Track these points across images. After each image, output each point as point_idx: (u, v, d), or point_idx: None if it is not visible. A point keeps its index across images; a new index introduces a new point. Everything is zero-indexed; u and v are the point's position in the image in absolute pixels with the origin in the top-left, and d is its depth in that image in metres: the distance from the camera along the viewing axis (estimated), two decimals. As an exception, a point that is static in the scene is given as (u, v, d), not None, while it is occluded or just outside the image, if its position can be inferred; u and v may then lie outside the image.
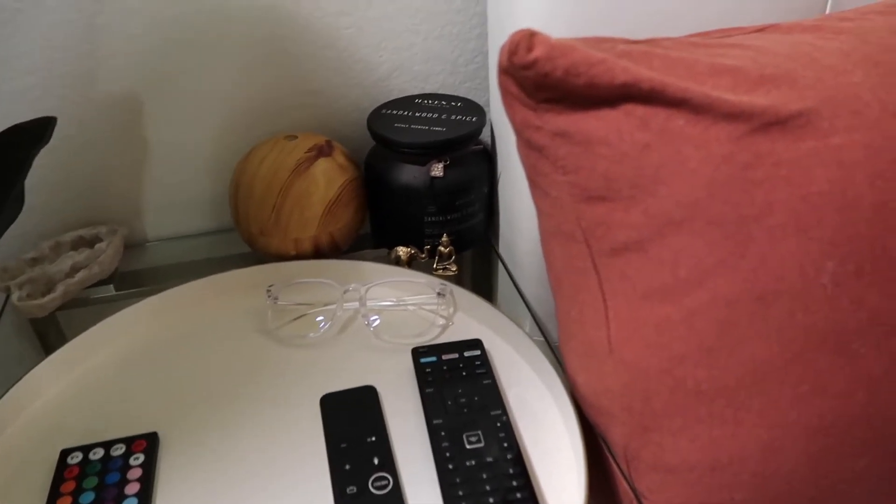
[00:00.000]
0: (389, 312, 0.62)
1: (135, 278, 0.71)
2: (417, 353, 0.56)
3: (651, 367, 0.42)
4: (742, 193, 0.36)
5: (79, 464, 0.49)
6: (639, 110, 0.37)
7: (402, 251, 0.67)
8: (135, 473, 0.48)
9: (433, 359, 0.56)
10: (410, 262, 0.68)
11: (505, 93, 0.40)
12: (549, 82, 0.37)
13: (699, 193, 0.37)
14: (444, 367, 0.55)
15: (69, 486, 0.47)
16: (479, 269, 0.73)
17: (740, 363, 0.39)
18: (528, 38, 0.36)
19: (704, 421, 0.41)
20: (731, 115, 0.36)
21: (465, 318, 0.62)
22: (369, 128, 0.67)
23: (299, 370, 0.56)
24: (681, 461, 0.42)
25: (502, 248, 0.73)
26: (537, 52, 0.36)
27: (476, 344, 0.57)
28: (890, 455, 0.39)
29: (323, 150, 0.65)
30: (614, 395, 0.44)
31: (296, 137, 0.66)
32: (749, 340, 0.38)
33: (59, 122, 0.67)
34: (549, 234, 0.45)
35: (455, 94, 0.75)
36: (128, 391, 0.55)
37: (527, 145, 0.41)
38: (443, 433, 0.49)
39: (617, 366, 0.43)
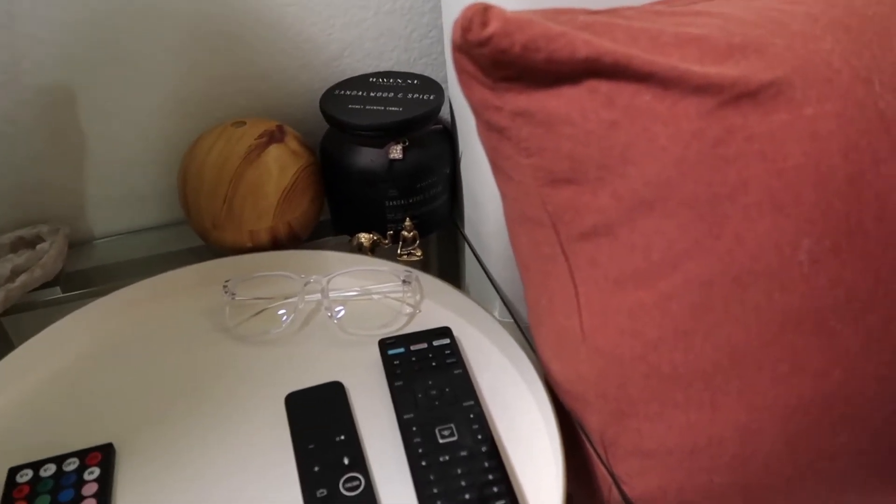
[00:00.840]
0: (354, 303, 0.60)
1: (82, 278, 0.67)
2: (385, 344, 0.54)
3: (625, 354, 0.40)
4: (714, 171, 0.35)
5: (29, 482, 0.46)
6: (603, 86, 0.35)
7: (364, 238, 0.65)
8: (90, 489, 0.45)
9: (401, 350, 0.54)
10: (374, 249, 0.65)
11: (461, 71, 0.38)
12: (506, 59, 0.34)
13: (670, 173, 0.35)
14: (413, 359, 0.53)
15: (19, 508, 0.44)
16: (444, 253, 0.71)
17: (717, 346, 0.37)
18: (481, 13, 0.34)
19: (681, 405, 0.40)
20: (700, 88, 0.34)
21: (433, 306, 0.60)
22: (322, 110, 0.64)
23: (261, 369, 0.54)
24: (659, 446, 0.41)
25: (468, 230, 0.71)
26: (492, 28, 0.33)
27: (445, 332, 0.55)
28: (868, 431, 0.38)
29: (274, 136, 0.62)
30: (589, 382, 0.43)
31: (244, 123, 0.63)
32: (726, 323, 0.36)
33: (-14, 116, 0.62)
34: (515, 219, 0.43)
35: (411, 71, 0.72)
36: (79, 401, 0.52)
37: (487, 127, 0.39)
38: (414, 428, 0.47)
39: (590, 353, 0.42)
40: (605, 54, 0.34)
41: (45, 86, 0.62)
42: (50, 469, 0.46)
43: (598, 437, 0.45)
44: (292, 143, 0.63)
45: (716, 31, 0.36)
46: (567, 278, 0.41)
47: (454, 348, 0.53)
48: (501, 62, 0.35)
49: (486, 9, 0.34)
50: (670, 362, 0.39)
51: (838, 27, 0.37)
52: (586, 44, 0.33)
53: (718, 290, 0.36)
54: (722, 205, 0.35)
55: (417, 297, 0.60)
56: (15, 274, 0.63)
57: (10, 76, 0.61)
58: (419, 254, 0.66)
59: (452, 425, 0.47)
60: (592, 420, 0.45)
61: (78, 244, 0.71)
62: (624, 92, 0.34)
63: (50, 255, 0.64)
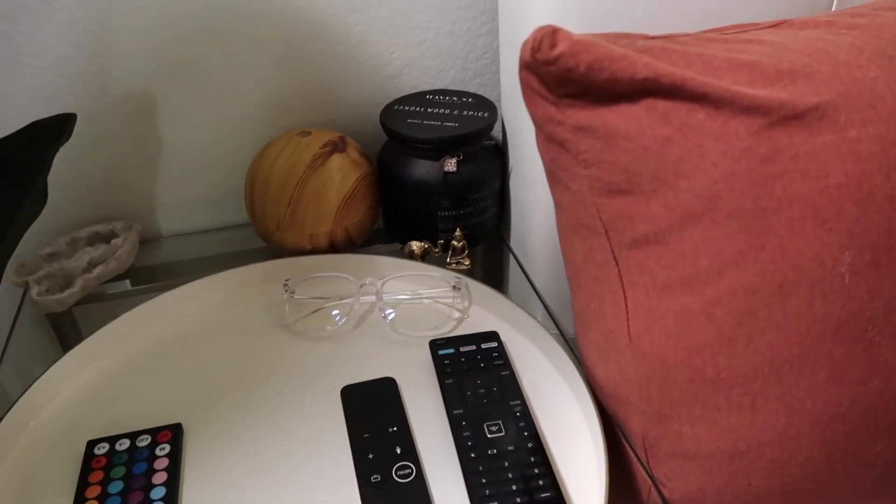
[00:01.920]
0: (405, 306, 0.63)
1: (150, 274, 0.72)
2: (435, 345, 0.57)
3: (670, 357, 0.43)
4: (761, 186, 0.37)
5: (105, 454, 0.49)
6: (659, 105, 0.38)
7: (415, 245, 0.68)
8: (161, 463, 0.49)
9: (451, 350, 0.56)
10: (424, 257, 0.68)
11: (526, 88, 0.41)
12: (571, 77, 0.38)
13: (719, 186, 0.37)
14: (462, 359, 0.55)
15: (97, 475, 0.48)
16: (490, 263, 0.74)
17: (758, 352, 0.39)
18: (551, 35, 0.37)
19: (723, 409, 0.42)
20: (750, 108, 0.37)
21: (481, 311, 0.63)
22: (382, 123, 0.68)
23: (318, 363, 0.57)
24: (699, 448, 0.43)
25: (514, 242, 0.74)
26: (560, 48, 0.37)
27: (493, 336, 0.58)
28: (904, 440, 0.40)
29: (337, 146, 0.66)
30: (633, 384, 0.45)
31: (310, 133, 0.67)
32: (768, 329, 0.39)
33: (75, 119, 0.67)
34: (569, 227, 0.46)
35: (466, 89, 0.76)
36: (150, 384, 0.56)
37: (548, 139, 0.42)
38: (463, 423, 0.50)
39: (636, 356, 0.44)
40: (662, 75, 0.37)
41: (131, 94, 0.68)
42: (125, 444, 0.50)
43: (640, 439, 0.47)
44: (353, 154, 0.67)
45: (765, 57, 0.39)
46: (617, 283, 0.44)
47: (501, 351, 0.56)
48: (567, 80, 0.38)
49: (555, 31, 0.37)
50: (713, 366, 0.41)
51: (882, 57, 0.40)
52: (646, 66, 0.37)
53: (761, 297, 0.39)
54: (767, 218, 0.37)
55: (466, 303, 0.63)
56: (91, 265, 0.67)
57: (100, 84, 0.66)
58: (467, 262, 0.69)
59: (500, 422, 0.50)
60: (635, 422, 0.47)
61: (148, 241, 0.76)
62: (679, 110, 0.37)
63: (124, 250, 0.68)
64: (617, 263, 0.43)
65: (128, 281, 0.71)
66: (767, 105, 0.37)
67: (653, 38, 0.41)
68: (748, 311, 0.39)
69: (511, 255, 0.74)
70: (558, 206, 0.46)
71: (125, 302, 0.69)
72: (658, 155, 0.38)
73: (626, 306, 0.44)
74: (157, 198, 0.74)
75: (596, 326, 0.48)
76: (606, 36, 0.40)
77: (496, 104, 0.73)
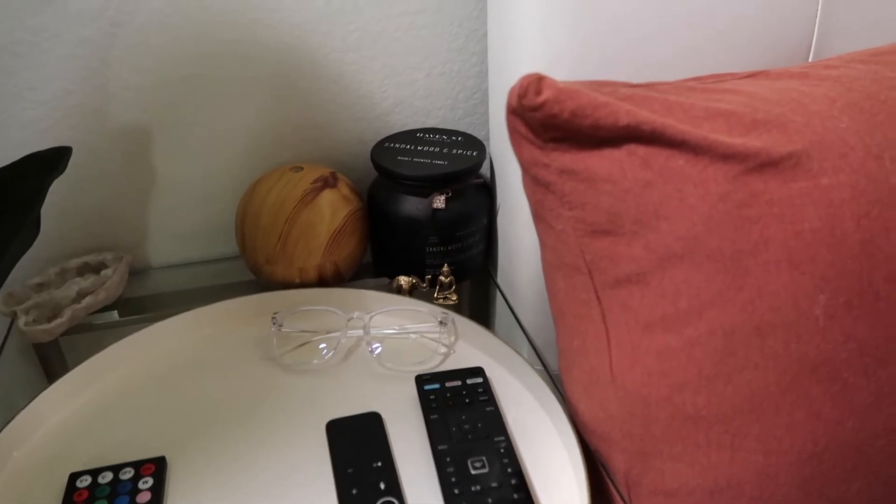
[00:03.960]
0: (392, 340, 0.64)
1: (138, 304, 0.72)
2: (421, 380, 0.57)
3: (652, 395, 0.43)
4: (738, 230, 0.38)
5: (87, 487, 0.49)
6: (641, 150, 0.39)
7: (403, 280, 0.69)
8: (144, 497, 0.48)
9: (436, 386, 0.57)
10: (412, 291, 0.69)
11: (513, 132, 0.43)
12: (556, 123, 0.39)
13: (698, 229, 0.39)
14: (448, 395, 0.56)
15: (79, 510, 0.48)
16: (477, 299, 0.75)
17: (737, 391, 0.40)
18: (536, 82, 0.38)
19: (703, 446, 0.42)
20: (727, 156, 0.38)
21: (467, 347, 0.63)
22: (373, 160, 0.69)
23: (304, 396, 0.57)
24: (680, 486, 0.44)
25: (500, 278, 0.75)
26: (545, 95, 0.38)
27: (478, 371, 0.58)
28: (881, 479, 0.40)
29: (328, 182, 0.67)
30: (616, 421, 0.46)
31: (301, 169, 0.68)
32: (746, 369, 0.40)
33: (70, 151, 0.68)
34: (553, 266, 0.47)
35: (455, 128, 0.78)
36: (134, 416, 0.56)
37: (534, 181, 0.43)
38: (448, 458, 0.50)
39: (618, 393, 0.45)
40: (643, 122, 0.38)
41: (127, 128, 0.69)
42: (107, 476, 0.50)
43: (623, 476, 0.48)
44: (344, 189, 0.68)
45: (741, 107, 0.41)
46: (600, 321, 0.45)
47: (486, 387, 0.57)
48: (551, 125, 0.39)
49: (541, 79, 0.39)
50: (693, 404, 0.42)
51: (854, 108, 0.42)
52: (627, 113, 0.38)
53: (740, 337, 0.40)
54: (744, 260, 0.39)
55: (452, 338, 0.64)
56: (80, 296, 0.68)
57: (99, 117, 0.67)
58: (454, 298, 0.70)
59: (484, 458, 0.50)
60: (617, 459, 0.47)
61: (138, 272, 0.76)
62: (659, 156, 0.39)
63: (113, 281, 0.69)
64: (600, 302, 0.44)
65: (116, 311, 0.71)
66: (743, 152, 0.38)
67: (635, 86, 0.42)
68: (727, 350, 0.40)
69: (498, 291, 0.75)
70: (543, 244, 0.47)
71: (112, 332, 0.69)
72: (639, 198, 0.40)
73: (609, 344, 0.45)
74: (149, 229, 0.75)
75: (579, 363, 0.48)
76: (591, 84, 0.42)
77: (485, 143, 0.75)
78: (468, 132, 0.78)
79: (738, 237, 0.38)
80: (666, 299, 0.41)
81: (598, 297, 0.44)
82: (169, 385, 0.59)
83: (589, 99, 0.38)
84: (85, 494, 0.49)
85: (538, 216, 0.46)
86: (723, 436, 0.42)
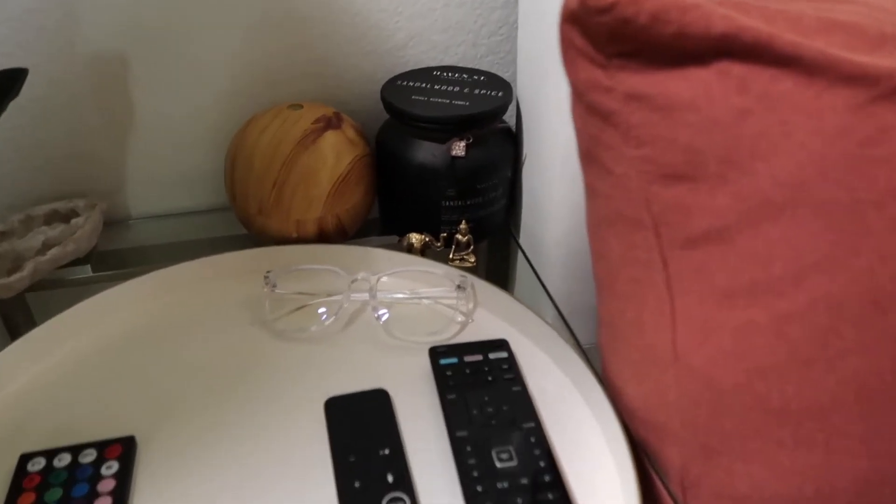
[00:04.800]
0: (402, 306, 0.56)
1: (115, 259, 0.64)
2: (436, 353, 0.49)
3: (725, 380, 0.35)
4: (860, 175, 0.30)
5: (40, 472, 0.42)
6: (736, 69, 0.30)
7: (415, 238, 0.60)
8: (107, 485, 0.41)
9: (454, 360, 0.49)
10: (424, 251, 0.61)
11: (567, 46, 0.34)
12: (628, 31, 0.30)
13: (807, 173, 0.30)
14: (467, 371, 0.48)
15: (27, 498, 0.40)
16: (496, 261, 0.67)
17: (841, 380, 0.32)
18: (606, -25, 0.29)
19: (788, 445, 0.34)
20: (850, 78, 0.29)
21: (487, 315, 0.55)
22: (383, 99, 0.60)
23: (300, 368, 0.50)
24: (752, 491, 0.36)
25: (523, 239, 0.67)
26: (619, -8, 0.29)
27: (502, 345, 0.50)
28: None
29: (331, 122, 0.58)
30: (674, 409, 0.38)
31: (301, 107, 0.59)
32: (855, 353, 0.31)
33: (33, 79, 0.59)
34: (605, 220, 0.38)
35: (475, 66, 0.68)
36: (102, 387, 0.48)
37: (589, 111, 0.34)
38: (468, 448, 0.42)
39: (682, 376, 0.37)
40: (744, 31, 0.29)
41: (99, 55, 0.60)
42: (65, 459, 0.42)
43: (678, 474, 0.40)
44: (349, 131, 0.59)
45: (863, 18, 0.32)
46: (663, 289, 0.36)
47: (512, 363, 0.49)
48: (621, 35, 0.30)
49: (611, -29, 0.30)
50: (781, 394, 0.34)
51: None
52: (724, 19, 0.29)
53: (851, 313, 0.31)
54: (866, 214, 0.30)
55: (471, 305, 0.56)
56: (46, 247, 0.59)
57: (65, 40, 0.58)
58: (472, 260, 0.61)
59: (511, 448, 0.42)
60: (672, 454, 0.39)
61: (113, 222, 0.68)
62: (761, 77, 0.30)
63: (84, 231, 0.60)
64: (665, 265, 0.36)
65: (89, 266, 0.63)
66: (873, 74, 0.29)
67: (724, -9, 0.33)
68: (831, 329, 0.32)
69: (520, 253, 0.66)
70: (593, 193, 0.39)
71: (86, 290, 0.60)
72: (731, 132, 0.31)
73: (674, 316, 0.36)
74: (127, 174, 0.66)
75: (630, 338, 0.40)
76: (669, -16, 0.32)
77: (511, 84, 0.66)
78: (491, 72, 0.68)
79: (859, 185, 0.30)
80: (755, 263, 0.32)
81: (663, 259, 0.36)
82: (144, 351, 0.51)
83: (674, -2, 0.29)
84: (36, 480, 0.41)
85: (590, 157, 0.37)
86: (816, 433, 0.33)
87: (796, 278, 0.32)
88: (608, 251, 0.39)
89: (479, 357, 0.49)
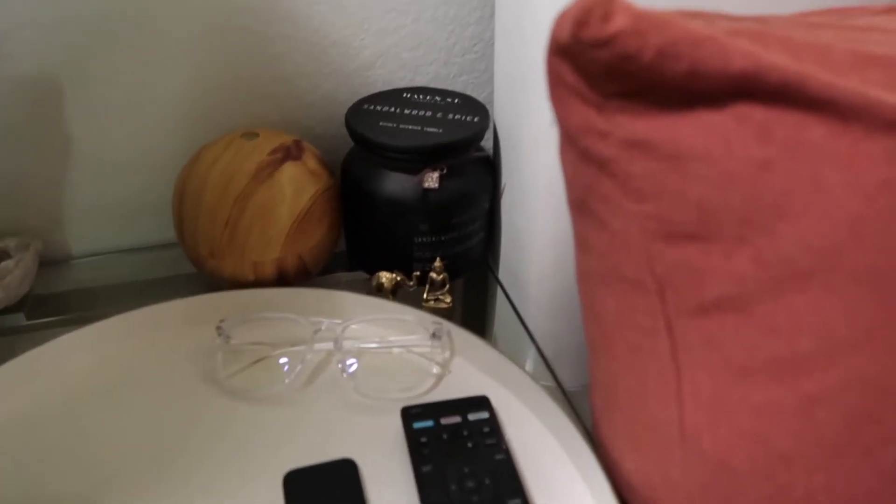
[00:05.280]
0: (371, 355, 0.50)
1: (53, 303, 0.58)
2: (409, 415, 0.44)
3: (742, 465, 0.30)
4: (904, 237, 0.25)
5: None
6: (758, 113, 0.26)
7: (385, 278, 0.55)
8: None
9: (429, 423, 0.44)
10: (395, 291, 0.56)
11: (556, 82, 0.29)
12: (629, 69, 0.25)
13: (841, 235, 0.26)
14: (445, 436, 0.43)
15: None
16: (473, 298, 0.61)
17: (880, 471, 0.28)
18: (604, 2, 0.25)
19: (815, 541, 0.30)
20: (893, 123, 0.25)
21: (465, 365, 0.50)
22: (348, 126, 0.55)
23: (256, 434, 0.44)
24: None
25: (503, 274, 0.62)
26: (618, 23, 0.24)
27: (482, 403, 0.45)
28: None
29: (290, 153, 0.53)
30: (682, 492, 0.33)
31: (257, 136, 0.53)
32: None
33: (-47, 107, 0.53)
34: (600, 277, 0.33)
35: (450, 87, 0.63)
36: (36, 454, 0.42)
37: (582, 158, 0.30)
38: (447, 533, 0.37)
39: (690, 456, 0.32)
40: (769, 70, 0.24)
41: (29, 79, 0.53)
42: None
43: (684, 562, 0.35)
44: (311, 162, 0.54)
45: (898, 51, 0.27)
46: (668, 359, 0.32)
47: (494, 425, 0.44)
48: (621, 72, 0.26)
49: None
50: (806, 484, 0.29)
51: None
52: (745, 55, 0.24)
53: (891, 397, 0.27)
54: (911, 284, 0.26)
55: (447, 354, 0.51)
56: (-30, 295, 0.53)
57: (-16, 62, 0.52)
58: (448, 300, 0.56)
59: (495, 531, 0.37)
60: (678, 540, 0.35)
61: (51, 262, 0.61)
62: (786, 122, 0.25)
63: (15, 276, 0.54)
64: (671, 333, 0.31)
65: (22, 314, 0.56)
66: (917, 119, 0.25)
67: (738, 19, 0.29)
68: (868, 414, 0.27)
69: (500, 289, 0.61)
70: (585, 246, 0.34)
71: (19, 340, 0.54)
72: (751, 187, 0.26)
73: (680, 390, 0.32)
74: (64, 210, 0.60)
75: (630, 408, 0.35)
76: (674, 12, 0.28)
77: (487, 107, 0.61)
78: (465, 93, 0.63)
79: (903, 249, 0.25)
80: (778, 337, 0.28)
81: (668, 326, 0.31)
82: (79, 416, 0.45)
83: (684, 31, 0.24)
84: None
85: (583, 207, 0.32)
86: (849, 530, 0.29)
87: (827, 356, 0.27)
88: (603, 311, 0.35)
89: (458, 419, 0.44)
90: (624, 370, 0.35)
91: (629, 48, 0.25)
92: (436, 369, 0.49)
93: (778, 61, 0.24)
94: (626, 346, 0.34)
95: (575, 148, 0.30)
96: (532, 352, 0.56)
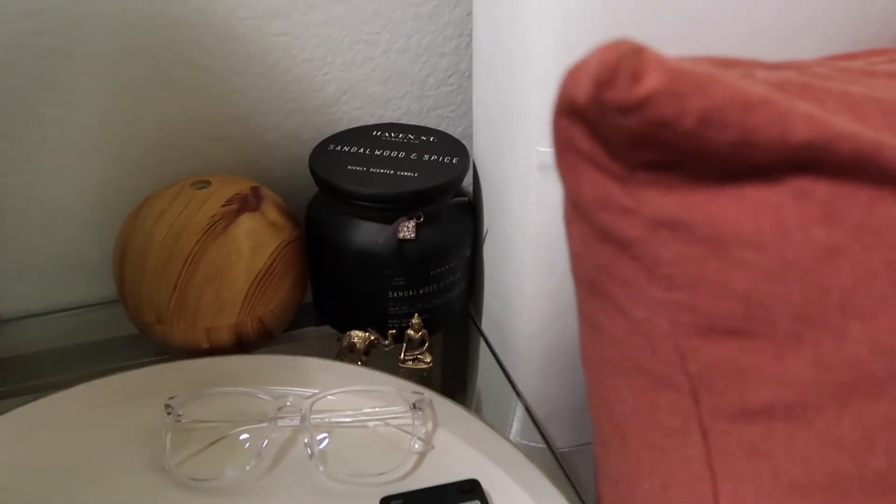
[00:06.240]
0: (344, 431, 0.45)
1: (-23, 375, 0.51)
2: (389, 507, 0.39)
3: None
4: None
5: None
6: (821, 190, 0.21)
7: (357, 337, 0.49)
8: None
9: (413, 518, 0.38)
10: (368, 351, 0.50)
11: (565, 147, 0.24)
12: (665, 138, 0.20)
13: (922, 336, 0.21)
14: (431, 534, 0.37)
15: None
16: (452, 352, 0.56)
17: None
18: (632, 56, 0.20)
19: None
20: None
21: (450, 439, 0.44)
22: (312, 171, 0.49)
23: (211, 538, 0.38)
24: None
25: (486, 325, 0.57)
26: (652, 83, 0.19)
27: (473, 489, 0.40)
28: None
29: (248, 202, 0.47)
30: None
31: (208, 184, 0.47)
32: None
33: None
34: (615, 366, 0.28)
35: (423, 123, 0.58)
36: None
37: (597, 234, 0.24)
38: None
39: (727, 579, 0.27)
40: (838, 139, 0.20)
41: (-62, 121, 0.47)
42: None
43: None
44: (271, 212, 0.48)
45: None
46: (700, 466, 0.27)
47: (488, 517, 0.38)
48: (653, 141, 0.21)
49: (639, 51, 0.20)
50: None
51: None
52: (808, 121, 0.20)
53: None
54: None
55: (429, 427, 0.45)
56: None
57: None
58: (428, 360, 0.51)
59: None
60: None
61: (-26, 328, 0.54)
62: (855, 200, 0.21)
63: (-72, 349, 0.47)
64: (706, 438, 0.26)
65: (-60, 389, 0.49)
66: None
67: (775, 66, 0.24)
68: (953, 544, 0.22)
69: (483, 342, 0.56)
70: (596, 330, 0.29)
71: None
72: (812, 278, 0.21)
73: (717, 502, 0.27)
74: (-11, 267, 0.53)
75: (649, 513, 0.30)
76: (705, 61, 0.23)
77: (465, 144, 0.56)
78: (440, 129, 0.58)
79: None
80: (843, 451, 0.23)
81: (702, 430, 0.26)
82: (-3, 526, 0.38)
83: (733, 93, 0.20)
84: None
85: (594, 288, 0.27)
86: None
87: (903, 475, 0.22)
88: (618, 402, 0.29)
89: (445, 510, 0.39)
90: (642, 471, 0.30)
91: (665, 114, 0.20)
92: (417, 445, 0.44)
93: (847, 128, 0.20)
94: (646, 445, 0.29)
95: (588, 222, 0.25)
96: (519, 412, 0.51)
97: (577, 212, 0.25)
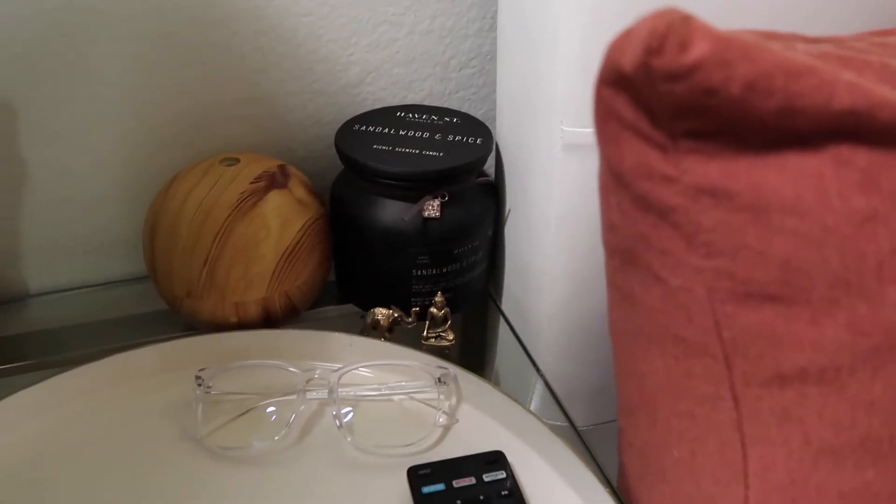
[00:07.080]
0: (370, 404, 0.45)
1: (10, 347, 0.52)
2: (417, 476, 0.39)
3: (822, 556, 0.26)
4: None
5: None
6: (861, 157, 0.21)
7: (381, 314, 0.50)
8: None
9: (440, 487, 0.39)
10: (392, 329, 0.51)
11: (607, 116, 0.24)
12: (711, 105, 0.21)
13: (958, 301, 0.22)
14: (458, 502, 0.38)
15: None
16: (473, 331, 0.57)
17: None
18: (681, 25, 0.20)
19: None
20: None
21: (474, 413, 0.45)
22: (338, 149, 0.50)
23: (242, 499, 0.39)
24: None
25: (506, 305, 0.57)
26: (701, 50, 0.20)
27: (498, 459, 0.41)
28: None
29: (275, 180, 0.48)
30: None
31: (237, 161, 0.48)
32: None
33: None
34: (646, 334, 0.29)
35: (445, 104, 0.59)
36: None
37: (637, 203, 0.25)
38: None
39: (755, 543, 0.28)
40: (880, 106, 0.20)
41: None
42: None
43: None
44: (298, 190, 0.48)
45: None
46: (731, 432, 0.27)
47: (514, 488, 0.39)
48: (699, 108, 0.21)
49: (687, 20, 0.20)
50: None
51: None
52: (851, 89, 0.20)
53: None
54: None
55: (454, 401, 0.46)
56: (-89, 345, 0.47)
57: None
58: (451, 337, 0.51)
59: None
60: None
61: (6, 302, 0.55)
62: (894, 169, 0.21)
63: (-38, 320, 0.48)
64: (737, 404, 0.27)
65: (-28, 361, 0.50)
66: None
67: (815, 40, 0.25)
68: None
69: (503, 321, 0.57)
70: (629, 299, 0.29)
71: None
72: (850, 244, 0.22)
73: (746, 468, 0.27)
74: (20, 243, 0.54)
75: (679, 482, 0.31)
76: (749, 33, 0.23)
77: (489, 125, 0.57)
78: (462, 110, 0.59)
79: None
80: (876, 415, 0.24)
81: (734, 396, 0.26)
82: (44, 478, 0.39)
83: (779, 60, 0.20)
84: None
85: (630, 257, 0.27)
86: None
87: (934, 438, 0.23)
88: (649, 371, 0.30)
89: (472, 480, 0.39)
90: (671, 439, 0.30)
91: (712, 81, 0.20)
92: (442, 419, 0.45)
93: (889, 96, 0.20)
94: (676, 413, 0.30)
95: (628, 192, 0.25)
96: (539, 389, 0.52)
97: (617, 181, 0.26)
